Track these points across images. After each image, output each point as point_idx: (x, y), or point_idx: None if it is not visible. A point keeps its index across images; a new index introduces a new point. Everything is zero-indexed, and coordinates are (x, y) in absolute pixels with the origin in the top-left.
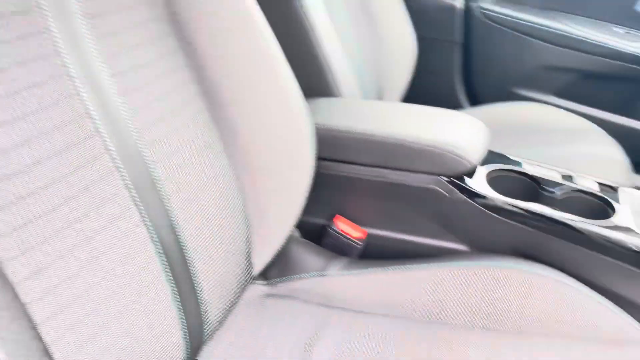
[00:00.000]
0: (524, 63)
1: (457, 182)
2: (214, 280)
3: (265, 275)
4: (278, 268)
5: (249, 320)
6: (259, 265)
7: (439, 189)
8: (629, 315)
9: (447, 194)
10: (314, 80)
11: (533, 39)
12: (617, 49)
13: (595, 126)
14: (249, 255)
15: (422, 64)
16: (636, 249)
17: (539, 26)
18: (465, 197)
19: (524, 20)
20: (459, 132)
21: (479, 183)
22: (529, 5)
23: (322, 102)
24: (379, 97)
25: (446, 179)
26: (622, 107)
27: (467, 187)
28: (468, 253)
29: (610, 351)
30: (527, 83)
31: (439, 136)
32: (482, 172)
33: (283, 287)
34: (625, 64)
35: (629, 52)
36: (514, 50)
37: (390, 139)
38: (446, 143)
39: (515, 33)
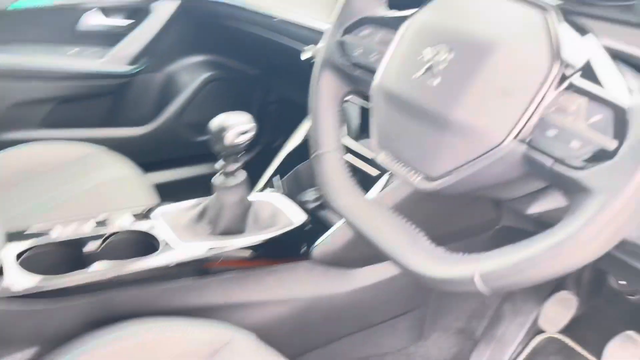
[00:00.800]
0: None
1: None
2: None
3: None
4: None
5: None
6: None
7: None
8: (213, 320)
9: None
10: None
11: None
12: (74, 70)
13: (97, 146)
14: None
15: None
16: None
17: None
18: None
19: None
20: None
21: (10, 277)
22: None
23: None
24: None
25: None
26: (109, 119)
27: None
28: None
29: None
30: (8, 125)
31: None
32: (7, 263)
33: None
34: (87, 81)
35: (84, 70)
36: None
37: None
38: None
39: None
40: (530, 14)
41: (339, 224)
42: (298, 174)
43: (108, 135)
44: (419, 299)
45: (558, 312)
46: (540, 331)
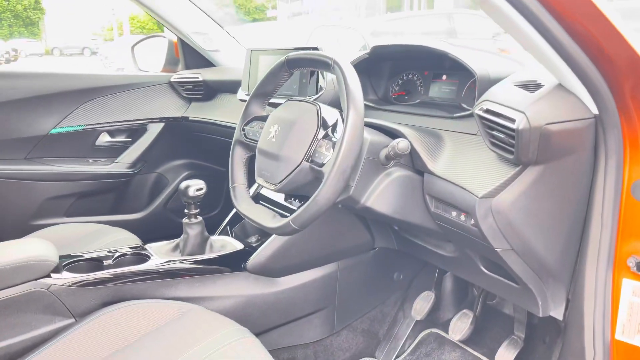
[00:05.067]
0: None
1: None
2: None
3: None
4: None
5: None
6: None
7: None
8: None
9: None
10: None
11: None
12: (90, 172)
13: (104, 226)
14: None
15: None
16: None
17: None
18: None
19: None
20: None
21: (63, 274)
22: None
23: None
24: None
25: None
26: (115, 208)
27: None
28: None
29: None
30: (42, 214)
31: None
32: (61, 268)
33: None
34: (99, 181)
35: (98, 172)
36: None
37: None
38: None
39: None
40: (310, 106)
41: (265, 244)
42: (244, 225)
43: (114, 219)
44: (327, 299)
45: (422, 304)
46: (424, 328)
